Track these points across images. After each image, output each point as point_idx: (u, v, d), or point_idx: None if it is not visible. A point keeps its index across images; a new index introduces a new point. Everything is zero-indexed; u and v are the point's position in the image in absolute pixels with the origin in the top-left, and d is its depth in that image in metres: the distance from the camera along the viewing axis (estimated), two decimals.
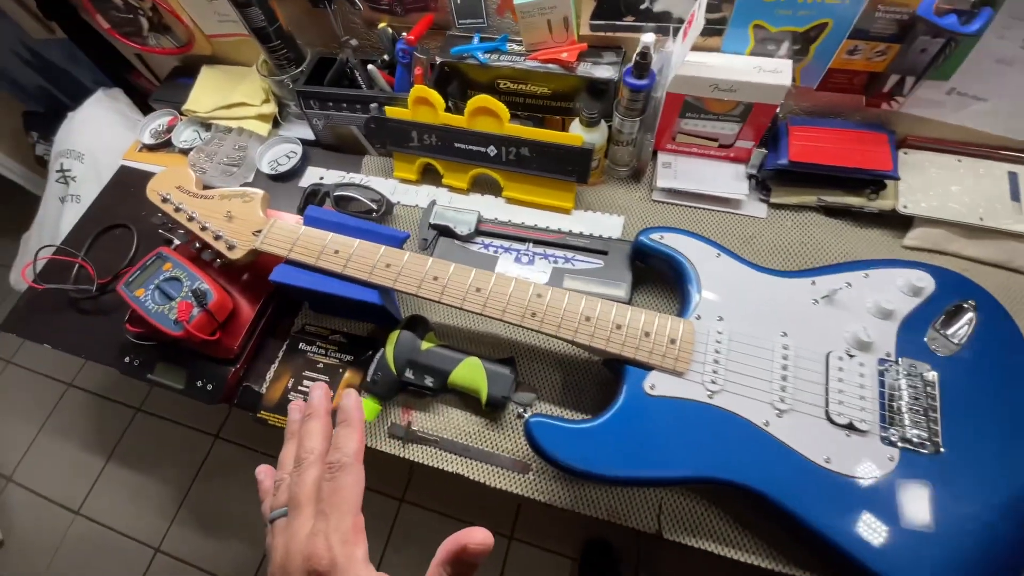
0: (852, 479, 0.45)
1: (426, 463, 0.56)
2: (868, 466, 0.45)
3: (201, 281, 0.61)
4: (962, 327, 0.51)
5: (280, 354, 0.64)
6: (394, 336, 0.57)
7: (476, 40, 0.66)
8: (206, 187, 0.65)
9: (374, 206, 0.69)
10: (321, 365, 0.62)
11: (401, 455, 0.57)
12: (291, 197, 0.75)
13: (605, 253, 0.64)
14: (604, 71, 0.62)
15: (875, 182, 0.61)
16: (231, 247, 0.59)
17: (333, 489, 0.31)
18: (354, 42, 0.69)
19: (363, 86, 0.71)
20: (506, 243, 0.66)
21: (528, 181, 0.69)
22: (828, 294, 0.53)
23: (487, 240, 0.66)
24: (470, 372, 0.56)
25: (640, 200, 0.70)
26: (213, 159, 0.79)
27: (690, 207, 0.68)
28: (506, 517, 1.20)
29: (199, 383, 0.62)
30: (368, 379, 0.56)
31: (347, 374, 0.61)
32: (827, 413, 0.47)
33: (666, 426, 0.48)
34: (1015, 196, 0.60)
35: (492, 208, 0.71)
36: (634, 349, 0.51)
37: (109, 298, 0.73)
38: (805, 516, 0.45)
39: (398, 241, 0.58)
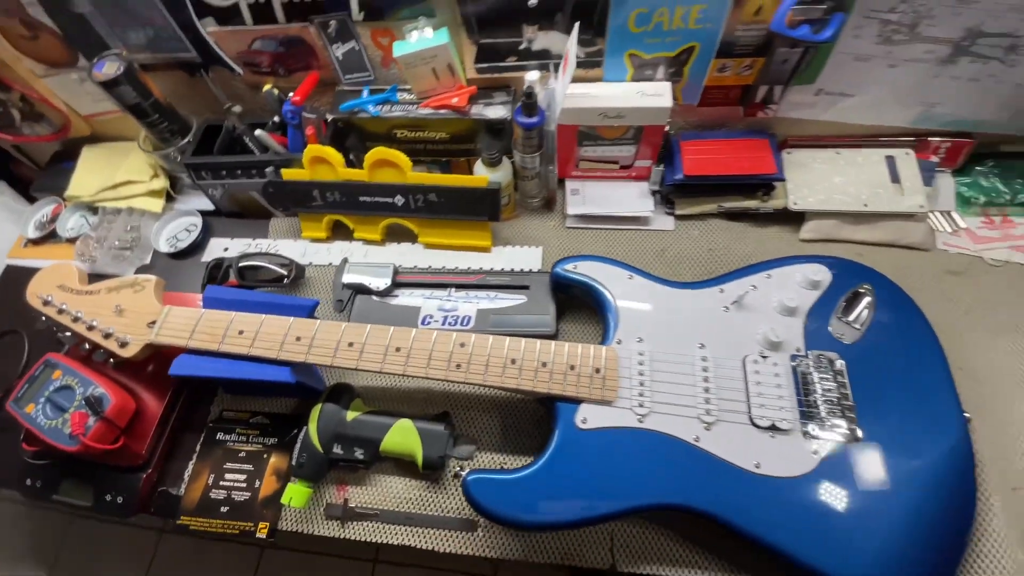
0: (782, 479, 0.46)
1: (369, 540, 0.53)
2: (795, 464, 0.46)
3: (95, 386, 0.55)
4: (862, 311, 0.54)
5: (197, 448, 0.59)
6: (316, 411, 0.54)
7: (366, 93, 0.65)
8: (98, 277, 0.60)
9: (284, 272, 0.66)
10: (243, 454, 0.57)
11: (341, 536, 0.54)
12: (196, 274, 0.70)
13: (527, 287, 0.64)
14: (497, 111, 0.63)
15: (765, 185, 0.64)
16: (124, 344, 0.55)
17: None
18: (237, 108, 0.66)
19: (255, 151, 0.68)
20: (427, 291, 0.64)
21: (442, 225, 0.68)
22: (736, 299, 0.54)
23: (407, 291, 0.64)
24: (402, 436, 0.53)
25: (555, 228, 0.70)
26: (103, 244, 0.73)
27: (603, 229, 0.69)
28: (485, 560, 1.16)
29: (108, 497, 0.56)
30: (293, 463, 0.53)
31: (272, 459, 0.57)
32: (751, 418, 0.48)
33: (603, 459, 0.48)
34: (895, 178, 0.65)
35: (411, 256, 0.70)
36: (561, 385, 0.50)
37: (3, 415, 0.65)
38: (745, 526, 0.45)
39: (307, 310, 0.55)
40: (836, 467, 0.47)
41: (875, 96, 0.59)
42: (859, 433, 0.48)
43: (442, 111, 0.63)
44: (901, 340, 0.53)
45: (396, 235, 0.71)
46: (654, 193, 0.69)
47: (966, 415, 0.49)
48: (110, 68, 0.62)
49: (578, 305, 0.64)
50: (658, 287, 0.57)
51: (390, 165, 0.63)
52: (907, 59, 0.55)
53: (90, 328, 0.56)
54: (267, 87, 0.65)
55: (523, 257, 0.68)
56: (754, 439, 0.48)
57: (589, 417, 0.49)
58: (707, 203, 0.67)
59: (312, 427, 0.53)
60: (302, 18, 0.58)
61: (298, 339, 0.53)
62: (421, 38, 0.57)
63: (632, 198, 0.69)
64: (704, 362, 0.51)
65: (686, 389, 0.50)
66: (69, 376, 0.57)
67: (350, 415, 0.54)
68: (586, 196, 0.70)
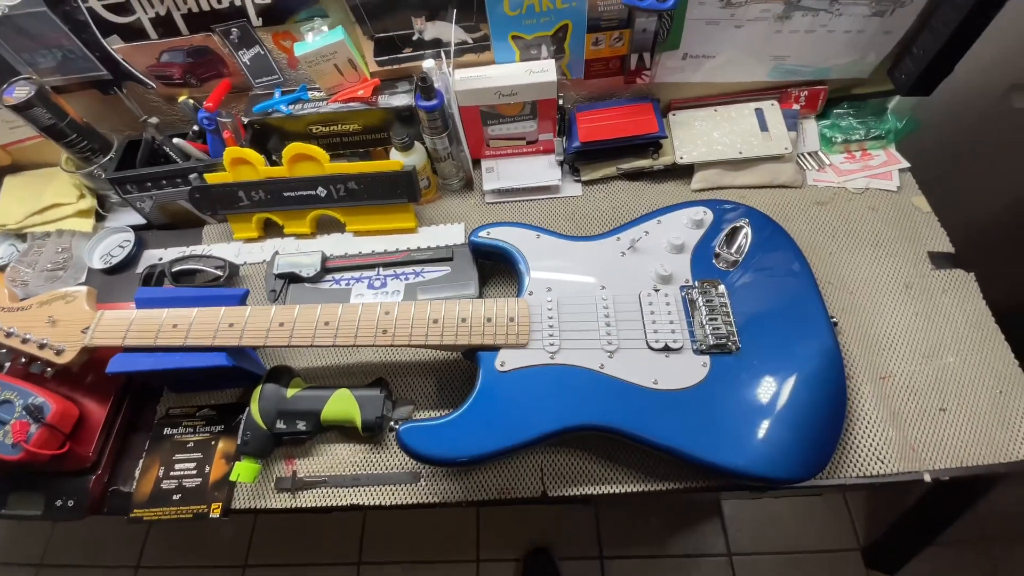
0: (677, 391, 0.52)
1: (318, 505, 0.56)
2: (687, 377, 0.53)
3: (34, 396, 0.57)
4: (740, 242, 0.61)
5: (146, 445, 0.61)
6: (257, 392, 0.57)
7: (277, 94, 0.69)
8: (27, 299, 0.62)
9: (218, 272, 0.69)
10: (191, 444, 0.60)
11: (293, 506, 0.57)
12: (134, 287, 0.72)
13: (451, 259, 0.69)
14: (401, 99, 0.68)
15: (652, 144, 0.71)
16: (59, 352, 0.57)
17: None
18: (154, 120, 0.69)
19: (177, 160, 0.71)
20: (356, 274, 0.68)
21: (366, 211, 0.72)
22: (631, 245, 0.61)
23: (337, 276, 0.68)
24: (340, 404, 0.57)
25: (476, 206, 0.76)
26: (35, 268, 0.74)
27: (518, 201, 0.75)
28: (468, 544, 1.20)
29: (58, 502, 0.58)
30: (239, 442, 0.56)
31: (220, 444, 0.60)
32: (647, 343, 0.54)
33: (521, 394, 0.53)
34: (763, 127, 0.73)
35: (341, 244, 0.73)
36: (480, 336, 0.55)
37: None
38: (648, 435, 0.51)
39: (237, 299, 0.58)
40: (722, 375, 0.53)
41: (731, 55, 0.67)
42: (740, 344, 0.54)
43: (351, 104, 0.68)
44: (774, 263, 0.60)
45: (325, 227, 0.75)
46: (560, 163, 0.75)
47: (833, 320, 0.57)
48: (21, 92, 0.64)
49: (502, 270, 0.69)
50: (562, 242, 0.62)
51: (308, 159, 0.67)
52: (749, 19, 0.63)
53: (24, 341, 0.57)
54: (182, 98, 0.68)
55: (448, 234, 0.73)
56: (651, 360, 0.54)
57: (507, 360, 0.54)
58: (607, 167, 0.73)
59: (254, 406, 0.57)
60: (204, 28, 0.62)
61: (231, 325, 0.56)
62: (318, 37, 0.61)
63: (541, 170, 0.75)
64: (605, 301, 0.57)
65: (590, 325, 0.56)
66: (7, 391, 0.58)
67: (290, 392, 0.58)
68: (500, 172, 0.75)
